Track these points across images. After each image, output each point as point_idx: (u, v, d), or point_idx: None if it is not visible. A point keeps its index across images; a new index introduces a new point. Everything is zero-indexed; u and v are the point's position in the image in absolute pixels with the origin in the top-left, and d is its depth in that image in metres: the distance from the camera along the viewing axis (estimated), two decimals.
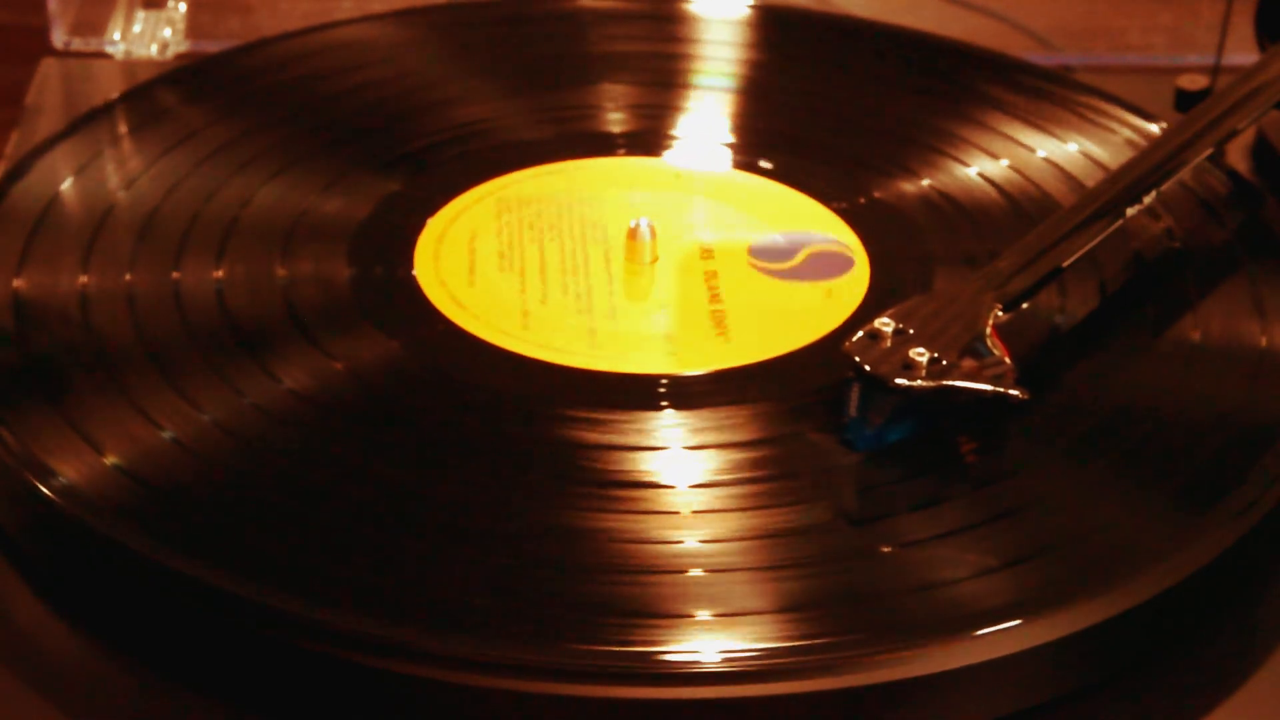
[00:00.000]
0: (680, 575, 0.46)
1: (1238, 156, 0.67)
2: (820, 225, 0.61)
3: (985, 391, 0.50)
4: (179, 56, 0.76)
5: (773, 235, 0.60)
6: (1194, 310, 0.56)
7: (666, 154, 0.64)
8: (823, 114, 0.67)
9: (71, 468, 0.48)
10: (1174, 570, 0.47)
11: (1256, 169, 0.67)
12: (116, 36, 0.76)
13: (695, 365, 0.54)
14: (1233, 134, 0.60)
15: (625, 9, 0.73)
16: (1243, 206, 0.62)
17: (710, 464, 0.50)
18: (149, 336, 0.53)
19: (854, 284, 0.58)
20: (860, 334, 0.51)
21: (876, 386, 0.50)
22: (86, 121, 0.63)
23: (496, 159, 0.63)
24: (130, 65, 0.75)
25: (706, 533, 0.48)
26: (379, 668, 0.44)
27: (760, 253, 0.60)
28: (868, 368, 0.50)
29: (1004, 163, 0.64)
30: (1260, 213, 0.62)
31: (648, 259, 0.58)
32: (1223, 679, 0.48)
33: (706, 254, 0.59)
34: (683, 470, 0.50)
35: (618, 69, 0.69)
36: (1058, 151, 0.64)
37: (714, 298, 0.57)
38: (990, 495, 0.49)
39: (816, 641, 0.44)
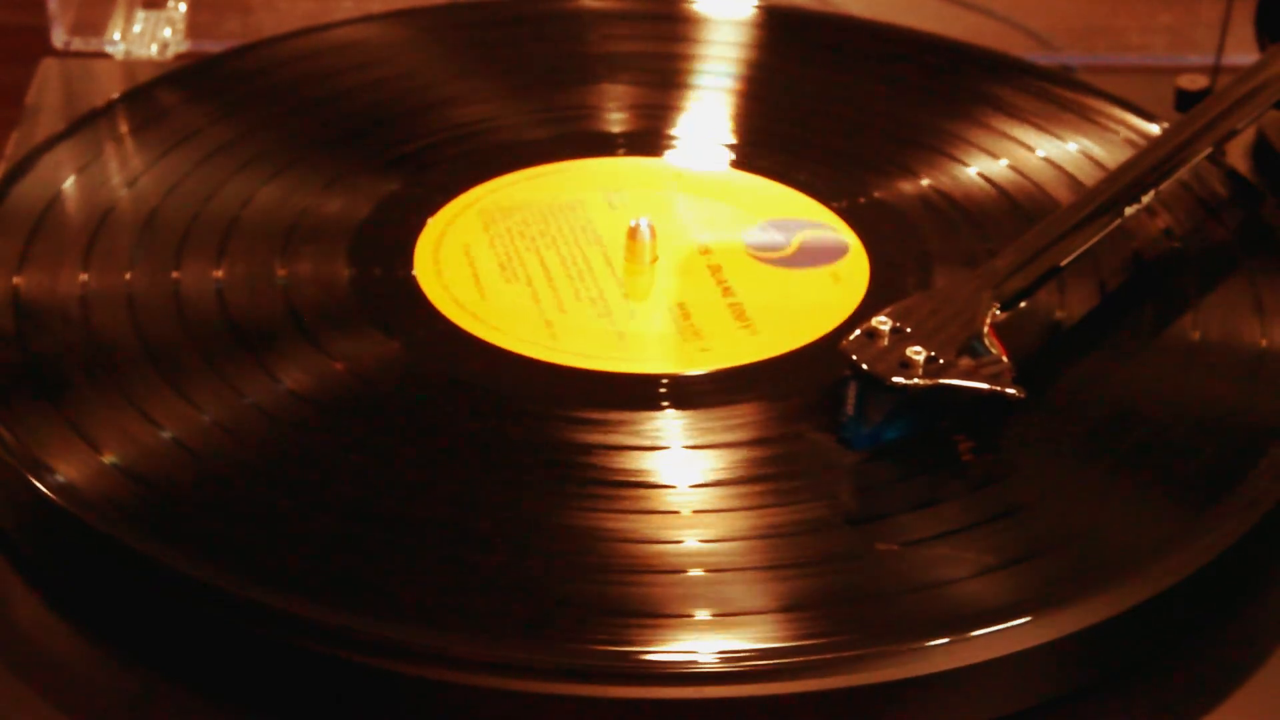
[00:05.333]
0: (680, 575, 0.46)
1: (1238, 156, 0.67)
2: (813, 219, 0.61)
3: (982, 390, 0.50)
4: (179, 56, 0.76)
5: (762, 226, 0.60)
6: (1194, 310, 0.56)
7: (667, 154, 0.65)
8: (823, 114, 0.67)
9: (71, 467, 0.48)
10: (1174, 570, 0.47)
11: (1256, 169, 0.67)
12: (116, 36, 0.76)
13: (728, 360, 0.54)
14: (1232, 134, 0.60)
15: (625, 9, 0.73)
16: (1243, 206, 0.62)
17: (710, 464, 0.50)
18: (149, 336, 0.53)
19: (855, 267, 0.58)
20: (858, 332, 0.51)
21: (874, 385, 0.50)
22: (86, 121, 0.63)
23: (496, 159, 0.63)
24: (130, 65, 0.75)
25: (706, 533, 0.48)
26: (378, 667, 0.44)
27: (756, 245, 0.60)
28: (865, 366, 0.50)
29: (1004, 163, 0.64)
30: (1260, 213, 0.62)
31: (648, 259, 0.58)
32: (1223, 679, 0.48)
33: (705, 252, 0.59)
34: (683, 470, 0.50)
35: (618, 69, 0.69)
36: (1058, 151, 0.64)
37: (726, 291, 0.57)
38: (990, 495, 0.49)
39: (816, 641, 0.44)
